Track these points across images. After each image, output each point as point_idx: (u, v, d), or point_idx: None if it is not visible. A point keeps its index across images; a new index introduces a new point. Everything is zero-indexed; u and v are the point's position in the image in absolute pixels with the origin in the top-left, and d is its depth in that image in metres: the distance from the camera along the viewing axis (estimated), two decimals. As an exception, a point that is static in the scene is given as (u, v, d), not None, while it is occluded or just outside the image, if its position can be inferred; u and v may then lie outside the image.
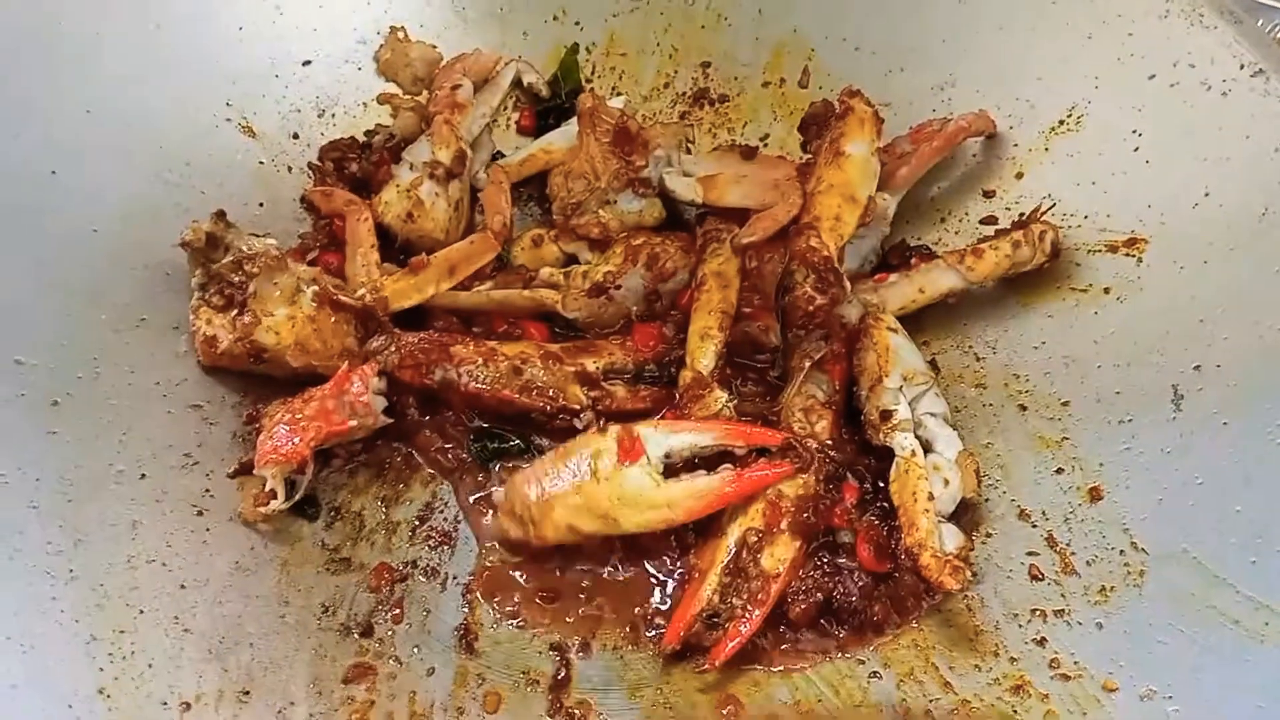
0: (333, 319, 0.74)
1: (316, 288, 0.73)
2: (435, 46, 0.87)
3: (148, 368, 0.71)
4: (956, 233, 0.82)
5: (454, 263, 0.77)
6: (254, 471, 0.69)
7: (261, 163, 0.81)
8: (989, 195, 0.81)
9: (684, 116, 0.89)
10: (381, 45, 0.86)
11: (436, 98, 0.84)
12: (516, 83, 0.88)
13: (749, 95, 0.89)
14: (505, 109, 0.89)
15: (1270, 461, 0.61)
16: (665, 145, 0.80)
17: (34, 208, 0.68)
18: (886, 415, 0.74)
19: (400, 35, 0.86)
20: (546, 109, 0.89)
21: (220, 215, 0.71)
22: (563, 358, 0.75)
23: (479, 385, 0.73)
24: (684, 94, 0.89)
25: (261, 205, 0.81)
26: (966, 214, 0.81)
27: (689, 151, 0.85)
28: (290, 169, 0.82)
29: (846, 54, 0.85)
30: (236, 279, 0.71)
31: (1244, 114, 0.68)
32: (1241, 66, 0.69)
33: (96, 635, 0.59)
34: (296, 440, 0.69)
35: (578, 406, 0.74)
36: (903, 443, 0.73)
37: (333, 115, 0.83)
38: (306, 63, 0.82)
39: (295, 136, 0.82)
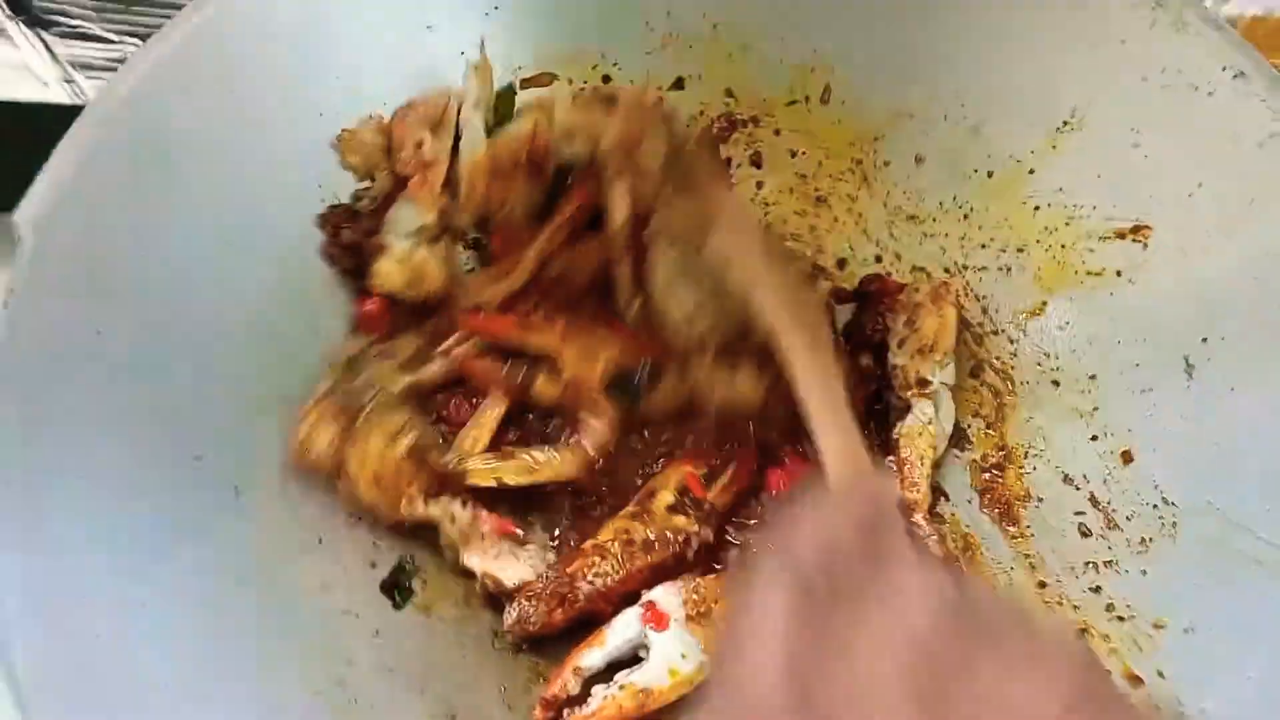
0: (413, 469, 0.79)
1: (414, 437, 0.80)
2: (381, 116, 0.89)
3: (300, 442, 0.81)
4: (980, 227, 0.92)
5: (539, 466, 0.81)
6: None
7: (358, 235, 0.89)
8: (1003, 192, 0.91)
9: (723, 136, 0.98)
10: (341, 149, 0.88)
11: (404, 160, 0.87)
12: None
13: (777, 115, 0.97)
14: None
15: (1273, 424, 0.73)
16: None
17: (182, 315, 0.76)
18: (925, 383, 0.86)
19: (347, 134, 0.87)
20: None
21: (371, 341, 0.80)
22: (648, 506, 0.81)
23: (614, 581, 0.77)
24: (718, 117, 0.98)
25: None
26: (987, 209, 0.91)
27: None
28: (380, 235, 0.90)
29: (865, 71, 0.92)
30: (358, 402, 0.79)
31: (1228, 112, 0.77)
32: (1224, 69, 0.78)
33: (319, 690, 0.70)
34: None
35: (694, 530, 0.80)
36: (925, 409, 0.86)
37: (410, 180, 0.91)
38: (382, 138, 0.89)
39: (381, 205, 0.90)
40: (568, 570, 0.78)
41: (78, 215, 0.70)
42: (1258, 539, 0.70)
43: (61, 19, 1.16)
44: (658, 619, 0.76)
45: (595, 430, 0.83)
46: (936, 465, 0.87)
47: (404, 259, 0.84)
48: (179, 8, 0.84)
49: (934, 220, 0.93)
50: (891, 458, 0.86)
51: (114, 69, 1.24)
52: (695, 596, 0.77)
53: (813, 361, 0.73)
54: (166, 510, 0.70)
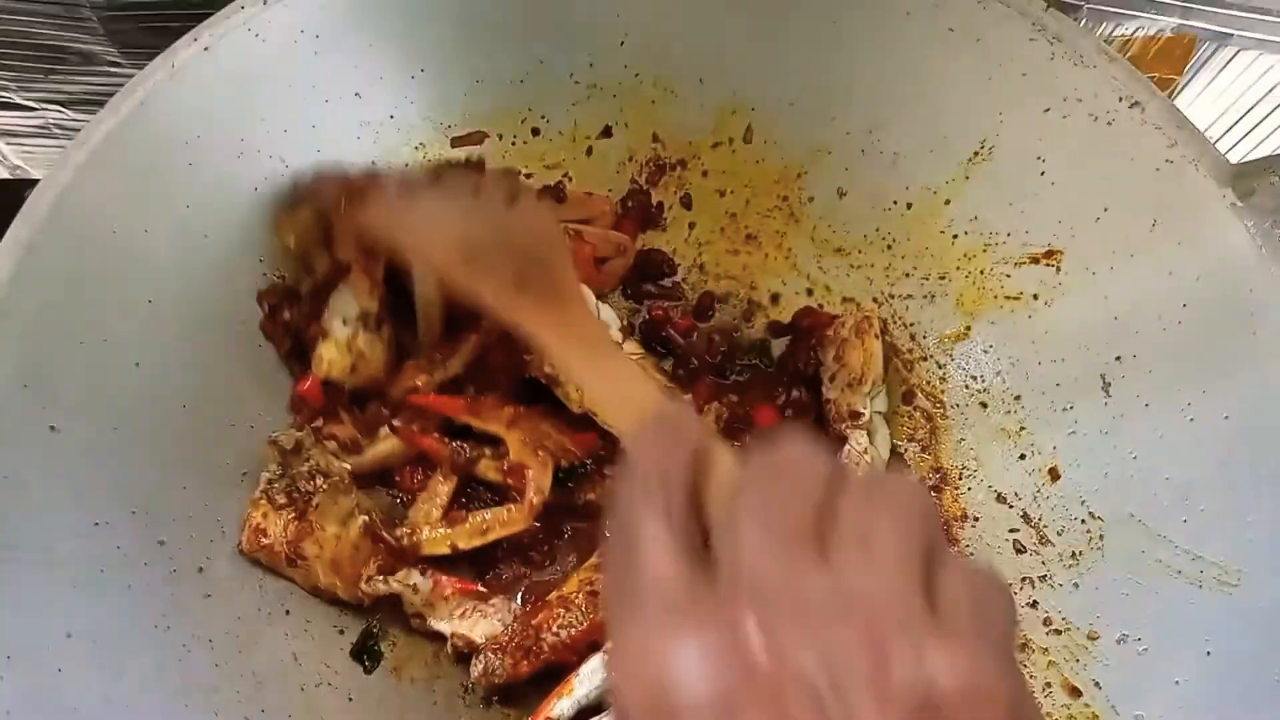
0: (368, 548, 0.82)
1: (367, 519, 0.82)
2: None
3: (259, 515, 0.82)
4: (903, 257, 0.96)
5: (488, 525, 0.84)
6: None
7: (302, 305, 0.90)
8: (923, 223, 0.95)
9: (652, 180, 1.01)
10: (277, 229, 0.89)
11: (345, 249, 0.88)
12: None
13: (703, 157, 1.00)
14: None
15: (1187, 435, 0.77)
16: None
17: (133, 401, 0.77)
18: (856, 415, 0.89)
19: (282, 215, 0.88)
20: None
21: (315, 430, 0.82)
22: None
23: (579, 631, 0.80)
24: (645, 163, 1.00)
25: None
26: (908, 239, 0.95)
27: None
28: (323, 301, 0.91)
29: (783, 109, 0.96)
30: (305, 488, 0.82)
31: (1127, 140, 0.81)
32: (1120, 99, 0.82)
33: (300, 760, 0.73)
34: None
35: None
36: (860, 439, 0.90)
37: (349, 245, 0.92)
38: (318, 206, 0.90)
39: (323, 274, 0.91)
40: (532, 622, 0.81)
41: (20, 317, 0.71)
42: (1177, 549, 0.75)
43: (-19, 90, 1.15)
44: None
45: (536, 481, 0.85)
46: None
47: (345, 345, 0.86)
48: (101, 74, 0.85)
49: (860, 252, 0.97)
50: None
51: (38, 135, 1.24)
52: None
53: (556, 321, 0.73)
54: (136, 598, 0.72)
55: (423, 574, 0.81)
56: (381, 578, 0.80)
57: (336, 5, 0.86)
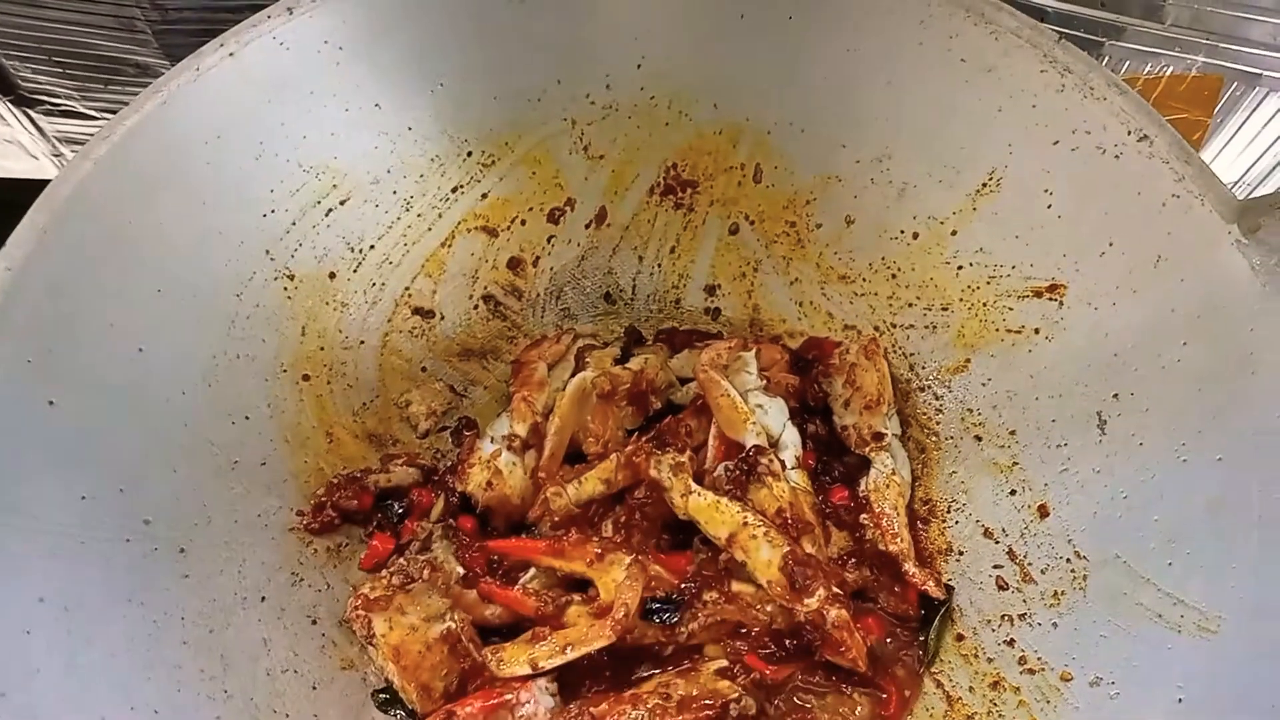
0: (443, 655, 0.81)
1: (451, 624, 0.81)
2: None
3: (247, 503, 0.84)
4: (907, 286, 0.95)
5: (570, 642, 0.80)
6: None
7: (310, 303, 0.93)
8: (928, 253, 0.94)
9: (663, 201, 1.02)
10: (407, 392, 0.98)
11: (518, 379, 0.98)
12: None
13: (715, 181, 1.01)
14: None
15: (1178, 476, 0.75)
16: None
17: (133, 383, 0.80)
18: (879, 437, 0.88)
19: (433, 384, 0.99)
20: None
21: (449, 529, 0.88)
22: (698, 665, 0.81)
23: None
24: (656, 184, 1.02)
25: (303, 334, 0.93)
26: (913, 269, 0.95)
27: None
28: (328, 304, 0.94)
29: (794, 135, 0.96)
30: (413, 573, 0.83)
31: (1135, 174, 0.80)
32: (1129, 132, 0.80)
33: (256, 743, 0.74)
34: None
35: (734, 698, 0.78)
36: (885, 460, 0.88)
37: (359, 250, 0.95)
38: (329, 211, 0.93)
39: (332, 275, 0.94)
40: (592, 710, 0.78)
41: (33, 296, 0.74)
42: (1159, 592, 0.72)
43: (47, 98, 1.22)
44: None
45: (624, 597, 0.81)
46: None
47: (489, 460, 0.90)
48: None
49: (864, 280, 0.96)
50: (865, 515, 0.88)
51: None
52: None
53: None
54: (113, 572, 0.74)
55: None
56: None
57: (360, 18, 0.89)
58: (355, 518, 0.91)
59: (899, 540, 0.85)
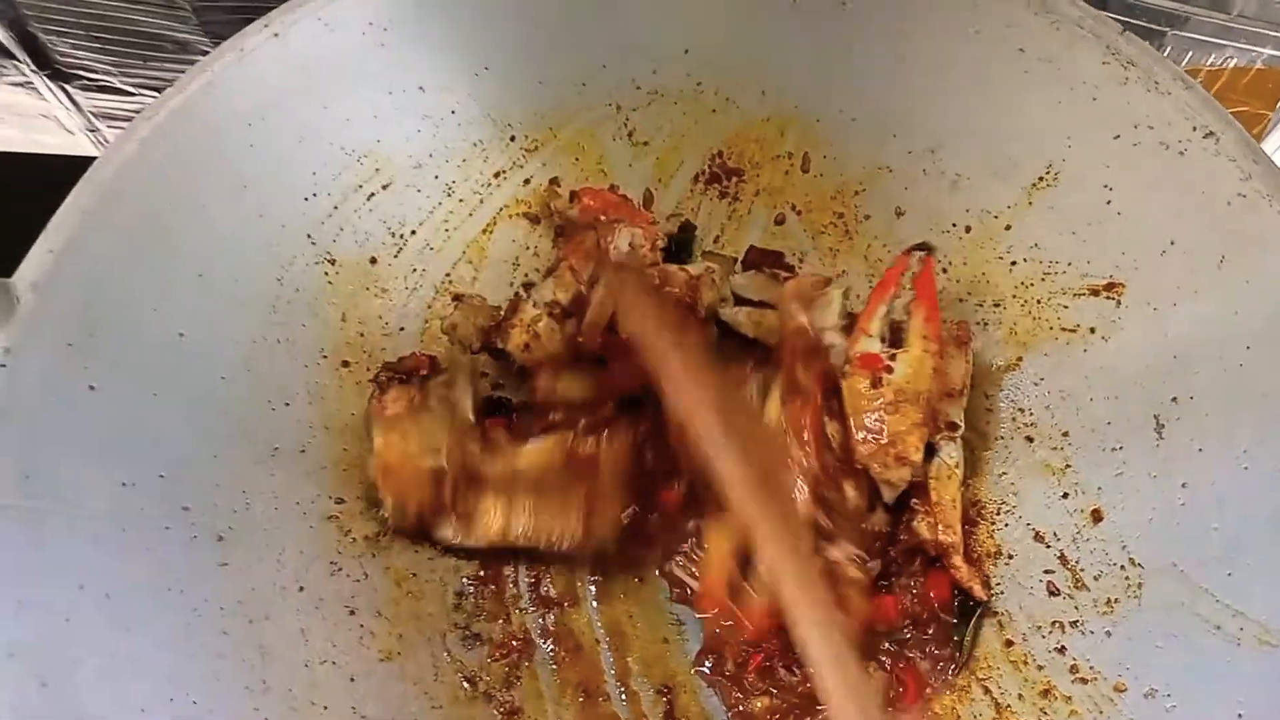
0: (426, 486, 0.84)
1: (444, 464, 0.84)
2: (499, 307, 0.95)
3: (286, 491, 0.83)
4: (957, 281, 0.93)
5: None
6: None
7: (350, 288, 0.92)
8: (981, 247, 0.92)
9: (708, 190, 1.00)
10: (451, 314, 0.94)
11: (569, 244, 0.94)
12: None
13: (762, 169, 0.99)
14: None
15: (1239, 484, 0.73)
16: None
17: (170, 368, 0.79)
18: (954, 427, 0.86)
19: (474, 301, 0.94)
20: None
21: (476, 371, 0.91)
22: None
23: None
24: (701, 172, 1.00)
25: (344, 319, 0.92)
26: (964, 263, 0.92)
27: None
28: (369, 289, 0.93)
29: (844, 125, 0.94)
30: (430, 401, 0.86)
31: (1199, 171, 0.78)
32: (1194, 129, 0.78)
33: (294, 736, 0.73)
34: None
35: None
36: (952, 451, 0.86)
37: (401, 235, 0.94)
38: (371, 195, 0.92)
39: (373, 261, 0.93)
40: None
41: (75, 279, 0.74)
42: (1218, 603, 0.70)
43: (84, 73, 1.21)
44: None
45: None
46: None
47: (527, 324, 0.90)
48: (192, 62, 0.89)
49: (935, 260, 0.94)
50: (917, 500, 0.86)
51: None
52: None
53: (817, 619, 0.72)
54: (153, 560, 0.74)
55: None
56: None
57: (406, 0, 0.88)
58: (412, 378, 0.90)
59: (951, 533, 0.83)
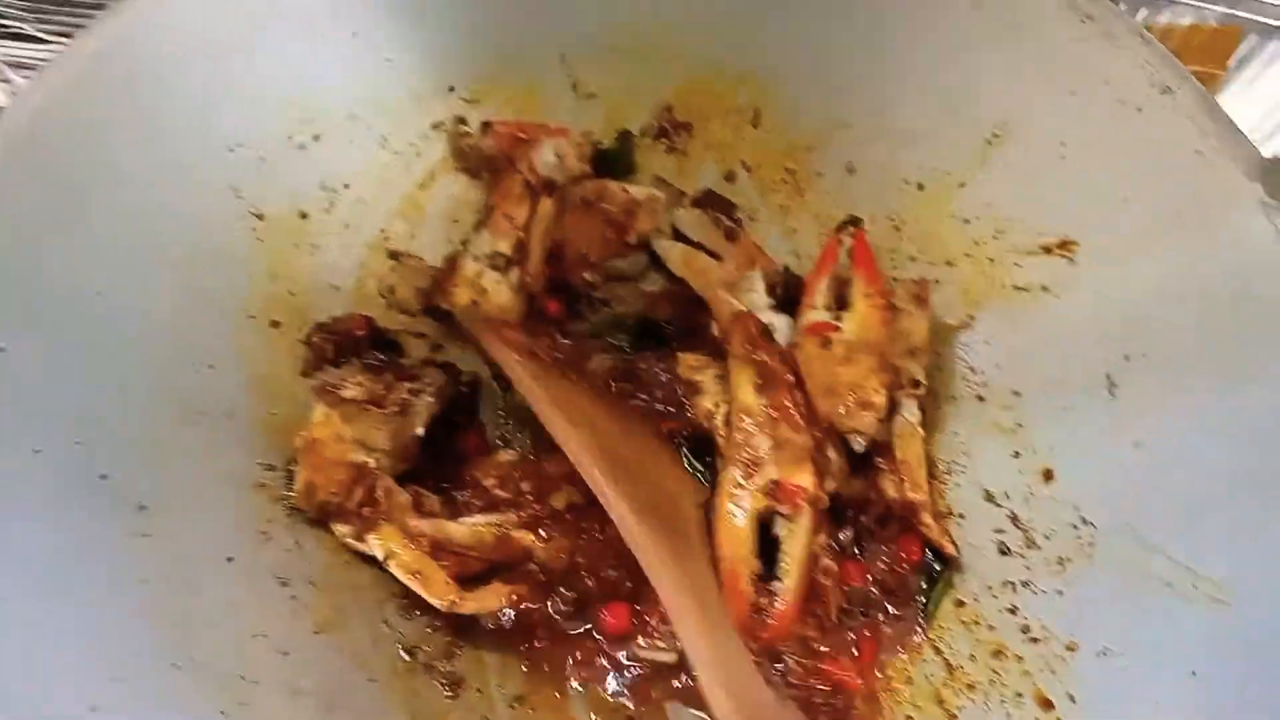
0: (344, 478, 0.81)
1: (372, 463, 0.80)
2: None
3: (213, 457, 0.79)
4: (910, 239, 0.91)
5: (419, 571, 0.79)
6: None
7: (279, 245, 0.87)
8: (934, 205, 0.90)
9: (656, 144, 0.97)
10: (388, 276, 0.91)
11: (497, 190, 0.91)
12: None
13: (714, 125, 0.96)
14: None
15: (1192, 444, 0.72)
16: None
17: (87, 329, 0.74)
18: (916, 384, 0.84)
19: (412, 261, 0.91)
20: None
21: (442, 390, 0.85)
22: None
23: None
24: (649, 127, 0.97)
25: (272, 278, 0.88)
26: (917, 221, 0.91)
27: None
28: (299, 246, 0.89)
29: (797, 79, 0.92)
30: (385, 402, 0.82)
31: (1156, 128, 0.76)
32: (1152, 85, 0.77)
33: (225, 712, 0.68)
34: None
35: None
36: (914, 410, 0.85)
37: (333, 189, 0.89)
38: (301, 147, 0.87)
39: (304, 216, 0.88)
40: None
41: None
42: (1171, 561, 0.70)
43: (-5, 20, 1.14)
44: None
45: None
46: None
47: (473, 280, 0.87)
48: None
49: (866, 231, 0.92)
50: (881, 460, 0.84)
51: (50, 68, 1.23)
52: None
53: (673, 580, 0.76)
54: (67, 531, 0.69)
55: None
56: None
57: (337, -60, 0.83)
58: (347, 347, 0.88)
59: (919, 490, 0.82)
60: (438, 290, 0.89)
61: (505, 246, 0.88)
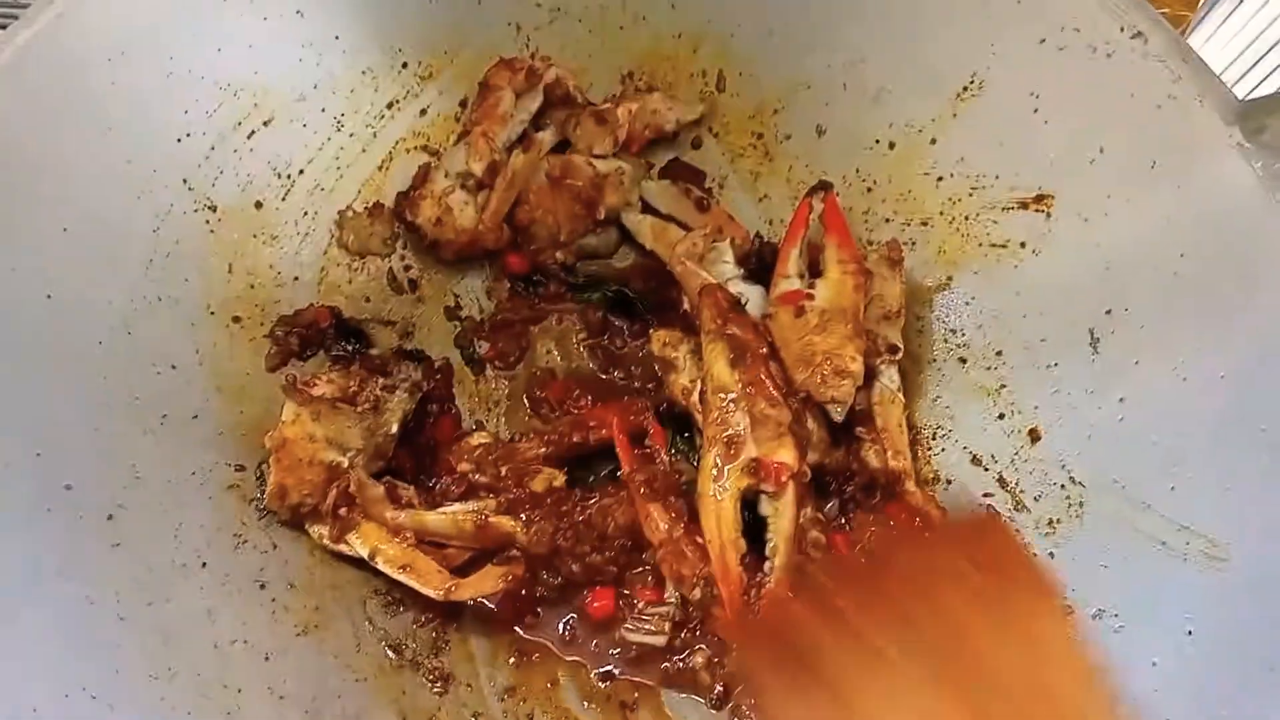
0: (317, 479, 0.78)
1: (345, 463, 0.78)
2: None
3: (181, 460, 0.77)
4: (883, 200, 0.89)
5: (409, 564, 0.77)
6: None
7: (235, 237, 0.84)
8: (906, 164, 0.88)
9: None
10: (339, 230, 0.90)
11: (480, 108, 0.89)
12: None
13: (676, 90, 0.94)
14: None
15: (1178, 395, 0.71)
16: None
17: (39, 335, 0.72)
18: (894, 350, 0.83)
19: (351, 212, 0.90)
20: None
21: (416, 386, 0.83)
22: None
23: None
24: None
25: (231, 271, 0.85)
26: (890, 181, 0.89)
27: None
28: (256, 237, 0.86)
29: (760, 39, 0.89)
30: (358, 399, 0.81)
31: (1128, 74, 0.75)
32: (1122, 29, 0.75)
33: (207, 721, 0.68)
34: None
35: None
36: (894, 375, 0.84)
37: (288, 176, 0.86)
38: (251, 133, 0.84)
39: (259, 205, 0.85)
40: None
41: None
42: (1161, 517, 0.69)
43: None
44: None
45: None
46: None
47: (440, 197, 0.86)
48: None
49: (837, 195, 0.90)
50: (862, 429, 0.83)
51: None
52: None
53: None
54: (35, 545, 0.67)
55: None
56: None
57: (276, -86, 0.80)
58: (313, 340, 0.86)
59: (901, 457, 0.81)
60: (404, 200, 0.88)
61: (478, 167, 0.86)
